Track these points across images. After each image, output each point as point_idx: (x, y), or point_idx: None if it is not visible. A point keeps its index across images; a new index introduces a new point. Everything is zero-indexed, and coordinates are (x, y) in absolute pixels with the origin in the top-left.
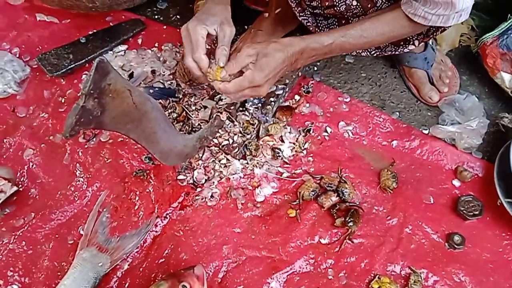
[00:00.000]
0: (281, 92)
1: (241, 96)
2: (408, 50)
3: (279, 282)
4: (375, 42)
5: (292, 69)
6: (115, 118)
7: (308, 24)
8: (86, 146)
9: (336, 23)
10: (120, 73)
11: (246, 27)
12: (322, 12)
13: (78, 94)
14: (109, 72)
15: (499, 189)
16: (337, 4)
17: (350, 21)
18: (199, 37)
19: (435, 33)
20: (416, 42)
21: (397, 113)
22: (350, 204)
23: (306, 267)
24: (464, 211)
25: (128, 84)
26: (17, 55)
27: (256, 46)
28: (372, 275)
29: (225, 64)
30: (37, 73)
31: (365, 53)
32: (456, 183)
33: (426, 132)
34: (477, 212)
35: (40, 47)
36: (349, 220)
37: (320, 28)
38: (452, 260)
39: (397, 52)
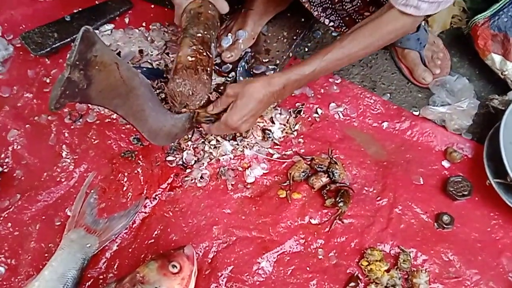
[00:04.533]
0: (271, 73)
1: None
2: None
3: (270, 262)
4: (361, 54)
5: (278, 102)
6: (102, 92)
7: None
8: (72, 127)
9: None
10: (106, 45)
11: (236, 7)
12: None
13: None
14: (95, 43)
15: (488, 169)
16: None
17: None
18: None
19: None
20: None
21: (388, 94)
22: (341, 184)
23: (297, 247)
24: (453, 192)
25: (115, 57)
26: (0, 34)
27: (235, 86)
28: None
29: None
30: (21, 52)
31: None
32: (446, 164)
33: (416, 113)
34: (466, 193)
35: (24, 26)
36: (339, 201)
37: (314, 5)
38: (441, 239)
39: None
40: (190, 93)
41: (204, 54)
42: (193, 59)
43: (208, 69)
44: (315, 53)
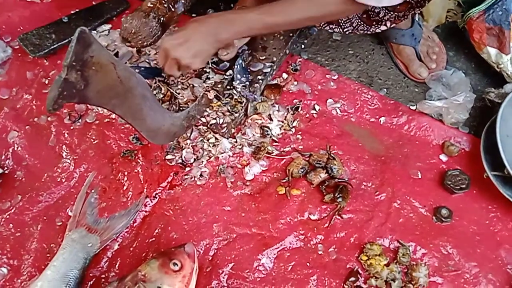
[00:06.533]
0: (268, 70)
1: (171, 70)
2: (380, 31)
3: (270, 258)
4: (307, 23)
5: (219, 42)
6: (99, 92)
7: None
8: (72, 128)
9: None
10: (103, 46)
11: (231, 5)
12: None
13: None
14: (91, 44)
15: (485, 162)
16: None
17: None
18: None
19: (408, 14)
20: (388, 23)
21: (385, 89)
22: (339, 180)
23: (296, 243)
24: (451, 185)
25: (112, 57)
26: None
27: None
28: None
29: None
30: (19, 54)
31: (338, 29)
32: (443, 157)
33: (413, 108)
34: (464, 186)
35: (22, 27)
36: (338, 196)
37: None
38: (439, 233)
39: (369, 32)
40: (133, 31)
41: (165, 5)
42: (151, 5)
43: (162, 18)
44: (268, 5)
